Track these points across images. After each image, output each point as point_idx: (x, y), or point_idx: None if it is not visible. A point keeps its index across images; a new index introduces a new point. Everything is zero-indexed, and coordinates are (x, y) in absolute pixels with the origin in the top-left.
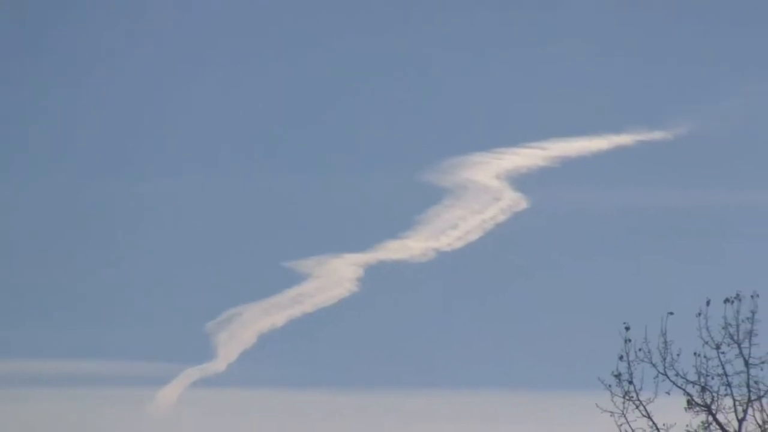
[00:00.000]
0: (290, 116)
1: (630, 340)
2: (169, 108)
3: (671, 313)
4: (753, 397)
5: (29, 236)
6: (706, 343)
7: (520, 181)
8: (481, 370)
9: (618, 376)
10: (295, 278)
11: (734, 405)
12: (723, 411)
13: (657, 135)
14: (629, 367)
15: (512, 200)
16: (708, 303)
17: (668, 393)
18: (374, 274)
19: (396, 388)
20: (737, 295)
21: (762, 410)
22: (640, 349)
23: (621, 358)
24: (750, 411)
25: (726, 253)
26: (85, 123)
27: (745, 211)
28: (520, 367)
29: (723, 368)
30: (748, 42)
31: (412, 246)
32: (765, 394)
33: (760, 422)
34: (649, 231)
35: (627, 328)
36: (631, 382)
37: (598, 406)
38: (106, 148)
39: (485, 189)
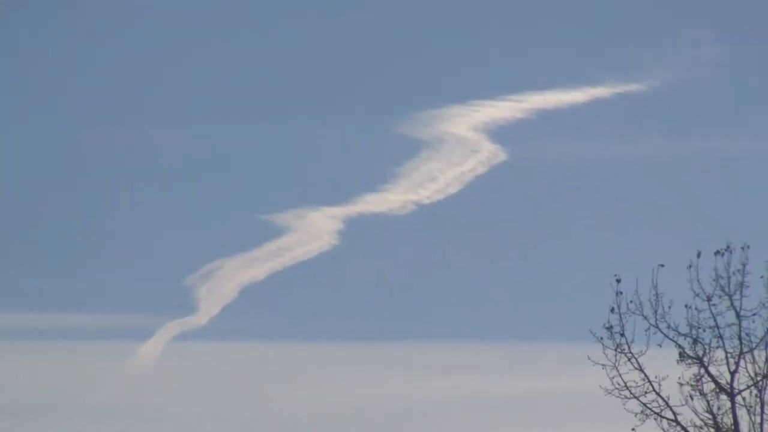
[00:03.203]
0: (269, 71)
1: (621, 293)
2: (151, 63)
3: (662, 265)
4: (745, 350)
5: (5, 191)
6: (697, 295)
7: (497, 133)
8: (465, 322)
9: (609, 328)
10: (274, 232)
11: (726, 357)
12: (715, 363)
13: (633, 87)
14: (620, 319)
15: (490, 152)
16: (699, 255)
17: (660, 345)
18: (353, 227)
19: (377, 340)
20: (728, 246)
21: (754, 362)
22: (631, 302)
23: (612, 310)
24: (742, 363)
25: (712, 202)
26: (73, 73)
27: (726, 160)
28: (508, 319)
29: (714, 320)
30: None
31: (391, 199)
32: (757, 346)
33: (752, 374)
34: (630, 182)
35: (618, 281)
36: (622, 335)
37: (589, 359)
38: (86, 100)
39: (463, 141)
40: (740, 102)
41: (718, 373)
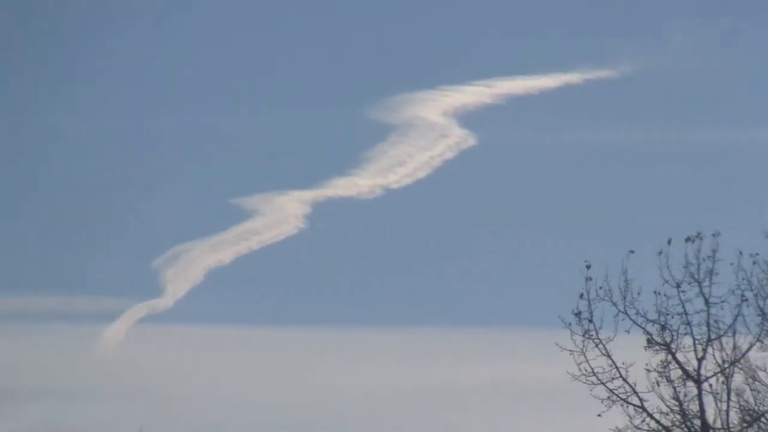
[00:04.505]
0: (239, 53)
1: (590, 279)
2: (122, 47)
3: (632, 252)
4: (713, 336)
5: None
6: (667, 281)
7: (467, 118)
8: (433, 307)
9: (578, 314)
10: (241, 215)
11: (694, 344)
12: (682, 350)
13: (604, 73)
14: (589, 305)
15: (460, 137)
16: (669, 242)
17: (628, 331)
18: (322, 211)
19: (343, 325)
20: (698, 233)
21: (721, 349)
22: (600, 288)
23: (581, 296)
24: (709, 350)
25: (683, 190)
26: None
27: (695, 147)
28: (477, 304)
29: (683, 307)
30: None
31: (359, 183)
32: (725, 333)
33: (720, 361)
34: (600, 168)
35: (588, 267)
36: (591, 321)
37: (558, 345)
38: (57, 84)
39: (432, 126)
40: (710, 91)
41: (685, 360)
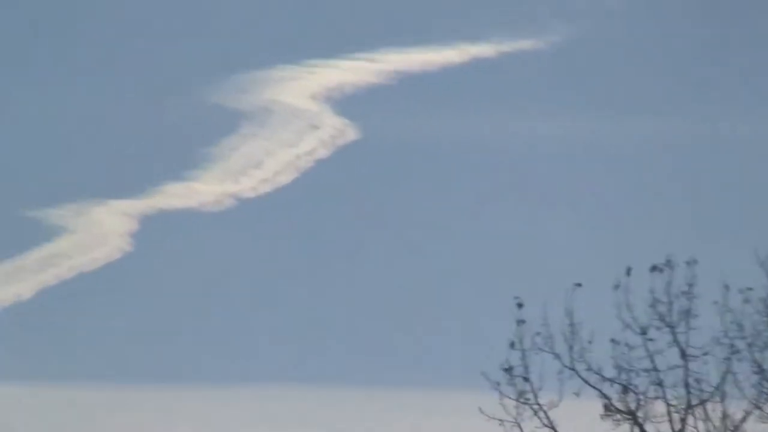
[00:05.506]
0: (43, 31)
1: (524, 322)
2: None
3: (578, 285)
4: (694, 401)
5: None
6: (628, 326)
7: (345, 103)
8: (302, 359)
9: (509, 370)
10: (45, 233)
11: (668, 412)
12: (653, 420)
13: (525, 44)
14: (524, 358)
15: (336, 128)
16: (629, 272)
17: (578, 394)
18: (151, 228)
19: (189, 383)
20: (668, 261)
21: (707, 419)
22: (538, 334)
23: (512, 345)
24: (690, 420)
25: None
26: None
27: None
28: (363, 355)
29: (652, 361)
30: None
31: (201, 190)
32: (710, 397)
33: None
34: (529, 165)
35: (519, 305)
36: (526, 379)
37: (482, 412)
38: None
39: (298, 114)
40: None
41: None
